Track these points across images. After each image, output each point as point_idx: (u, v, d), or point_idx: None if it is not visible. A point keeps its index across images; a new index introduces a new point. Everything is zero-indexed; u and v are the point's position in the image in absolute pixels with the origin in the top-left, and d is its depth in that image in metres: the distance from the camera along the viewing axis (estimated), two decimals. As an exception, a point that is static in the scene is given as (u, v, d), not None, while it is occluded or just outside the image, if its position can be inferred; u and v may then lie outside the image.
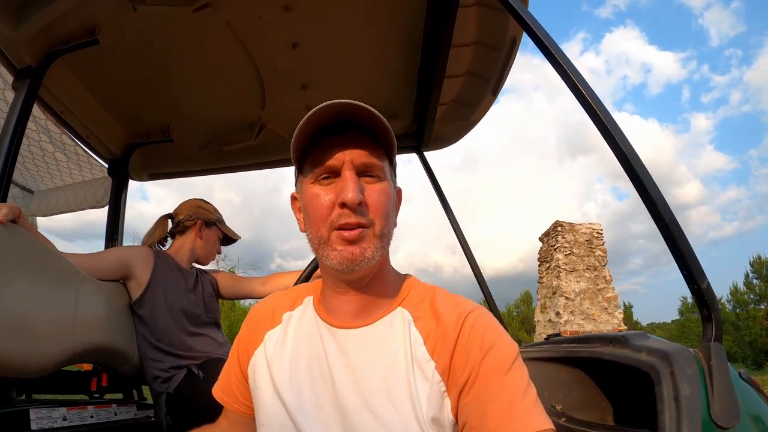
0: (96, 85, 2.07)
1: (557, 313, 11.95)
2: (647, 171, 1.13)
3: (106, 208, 2.39)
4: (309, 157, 0.84)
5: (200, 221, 2.09)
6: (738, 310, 29.39)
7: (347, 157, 0.80)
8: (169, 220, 2.16)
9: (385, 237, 0.82)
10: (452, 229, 2.24)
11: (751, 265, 30.35)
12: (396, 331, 0.84)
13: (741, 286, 30.03)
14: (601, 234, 12.79)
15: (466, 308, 0.83)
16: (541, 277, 13.54)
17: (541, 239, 13.82)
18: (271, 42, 1.90)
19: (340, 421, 0.80)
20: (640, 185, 1.11)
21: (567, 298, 12.10)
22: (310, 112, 0.79)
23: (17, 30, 1.64)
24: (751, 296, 29.86)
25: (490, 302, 2.18)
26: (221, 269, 2.41)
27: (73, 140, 2.28)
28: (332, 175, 0.81)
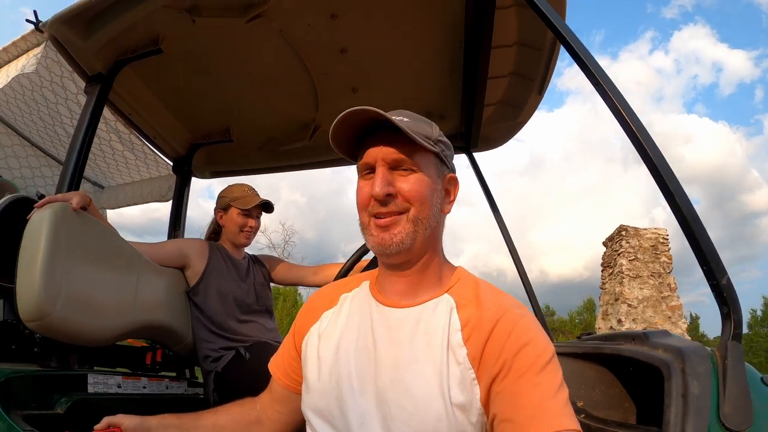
0: (161, 89, 2.35)
1: (619, 321, 11.66)
2: (668, 165, 1.18)
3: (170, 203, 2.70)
4: (359, 155, 1.02)
5: (219, 212, 2.29)
6: None
7: (379, 155, 0.96)
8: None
9: (421, 222, 0.95)
10: (500, 232, 2.33)
11: None
12: (439, 315, 0.94)
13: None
14: (667, 240, 12.32)
15: (507, 303, 0.93)
16: (603, 283, 13.25)
17: (605, 244, 13.53)
18: (320, 48, 2.10)
19: (374, 391, 0.91)
20: (660, 179, 1.16)
21: (629, 305, 11.75)
22: (339, 117, 0.95)
23: (88, 40, 1.87)
24: None
25: (534, 304, 2.24)
26: (277, 256, 2.58)
27: (141, 140, 2.60)
28: (370, 170, 0.98)
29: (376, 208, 0.95)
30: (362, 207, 0.98)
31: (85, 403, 1.54)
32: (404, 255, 0.96)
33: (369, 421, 0.90)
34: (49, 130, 2.61)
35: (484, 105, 2.26)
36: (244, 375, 1.94)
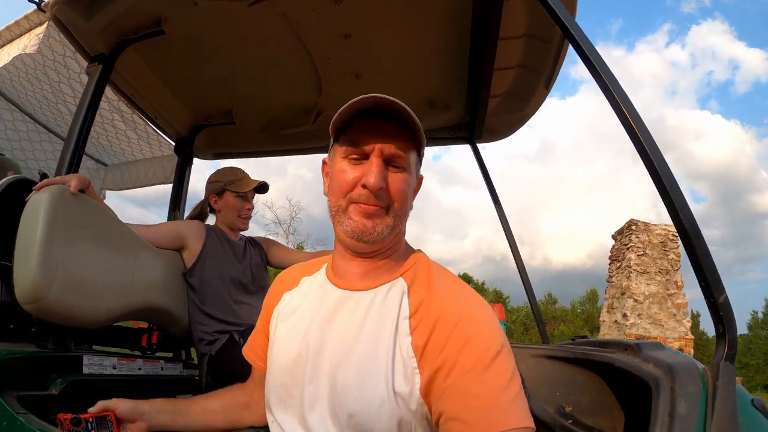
0: (163, 71, 2.33)
1: (624, 315, 11.65)
2: (672, 174, 1.13)
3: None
4: (346, 133, 0.99)
5: (212, 197, 2.29)
6: None
7: (378, 145, 0.95)
8: (206, 203, 2.39)
9: (398, 217, 0.98)
10: (500, 224, 2.32)
11: None
12: (390, 300, 0.95)
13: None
14: (676, 237, 12.06)
15: (457, 293, 0.94)
16: (610, 276, 13.19)
17: (614, 237, 13.43)
18: (323, 33, 2.06)
19: (326, 372, 0.92)
20: (663, 188, 1.12)
21: (636, 300, 11.72)
22: (356, 99, 0.94)
23: (90, 21, 1.87)
24: None
25: (530, 295, 2.25)
26: (274, 240, 2.60)
27: (143, 120, 2.60)
28: (362, 157, 0.96)
29: (363, 198, 0.95)
30: (343, 191, 0.97)
31: (79, 384, 1.56)
32: (377, 245, 0.98)
33: (318, 403, 0.92)
34: (53, 108, 2.61)
35: (490, 96, 2.23)
36: (237, 359, 1.92)
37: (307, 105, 2.53)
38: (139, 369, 1.92)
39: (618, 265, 12.71)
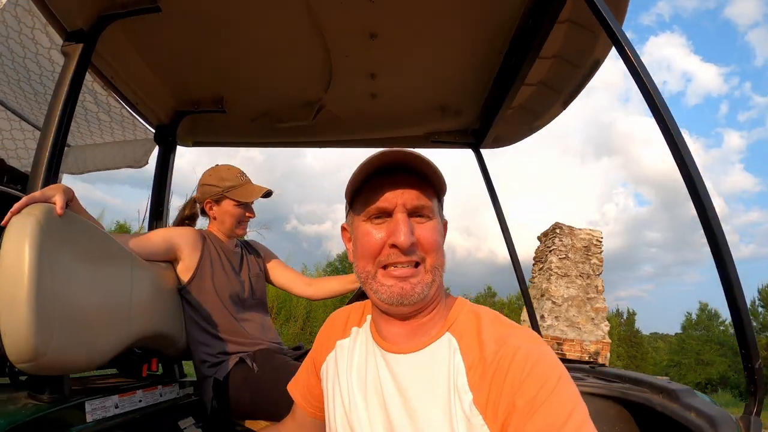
0: (150, 51, 2.06)
1: (542, 317, 11.90)
2: (732, 260, 1.20)
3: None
4: (361, 194, 0.95)
5: (208, 202, 2.08)
6: None
7: (399, 200, 0.91)
8: (197, 204, 2.18)
9: (436, 270, 0.93)
10: (500, 229, 2.40)
11: (760, 293, 30.39)
12: (442, 359, 0.91)
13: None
14: (601, 242, 12.53)
15: (506, 339, 0.88)
16: (533, 277, 13.31)
17: (539, 238, 13.52)
18: (349, 29, 1.92)
19: None
20: (722, 263, 1.18)
21: (554, 302, 11.97)
22: (369, 160, 0.90)
23: None
24: (754, 324, 29.59)
25: (526, 299, 2.42)
26: (272, 251, 2.43)
27: (120, 103, 2.30)
28: (384, 215, 0.92)
29: (393, 258, 0.91)
30: (371, 255, 0.93)
31: None
32: (418, 306, 0.93)
33: None
34: (14, 86, 2.21)
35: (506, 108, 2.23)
36: (251, 388, 1.86)
37: (309, 99, 2.38)
38: (140, 401, 1.80)
39: (540, 266, 12.86)
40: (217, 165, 2.12)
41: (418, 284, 0.90)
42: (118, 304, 1.55)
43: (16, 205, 1.21)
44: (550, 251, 12.55)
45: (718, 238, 1.19)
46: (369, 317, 1.08)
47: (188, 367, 2.25)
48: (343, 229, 1.06)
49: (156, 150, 2.50)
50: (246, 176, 2.11)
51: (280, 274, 2.33)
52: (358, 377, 1.01)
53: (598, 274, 12.42)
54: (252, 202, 2.11)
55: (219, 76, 2.24)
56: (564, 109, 2.25)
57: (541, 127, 2.42)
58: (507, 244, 2.40)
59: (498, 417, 0.81)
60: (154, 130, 2.48)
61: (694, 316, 34.58)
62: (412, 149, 0.89)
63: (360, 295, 1.97)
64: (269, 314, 2.25)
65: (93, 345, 1.41)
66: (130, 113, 2.40)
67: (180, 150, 2.56)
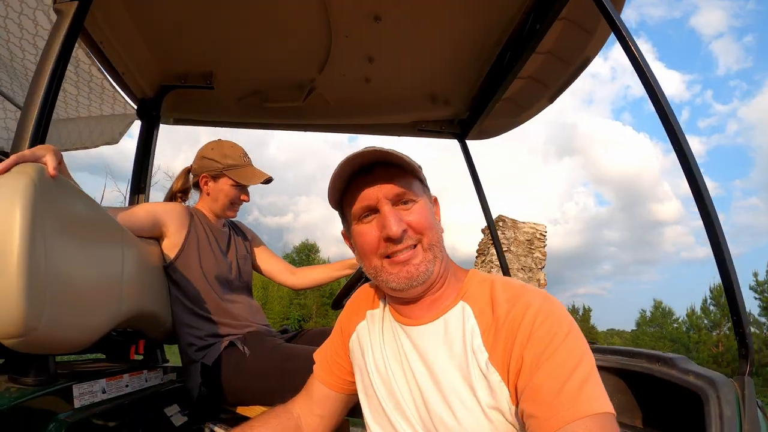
0: (143, 17, 1.94)
1: None
2: (723, 232, 1.34)
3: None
4: (346, 199, 1.01)
5: (204, 176, 1.99)
6: (691, 332, 31.00)
7: (380, 194, 0.95)
8: (190, 176, 2.08)
9: (434, 247, 0.97)
10: (485, 219, 2.47)
11: (711, 291, 31.49)
12: (456, 324, 0.96)
13: (699, 311, 31.64)
14: (545, 236, 12.66)
15: (518, 298, 0.91)
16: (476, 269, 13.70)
17: (483, 231, 13.61)
18: (354, 10, 1.91)
19: (424, 406, 0.95)
20: (717, 246, 1.32)
21: None
22: (338, 170, 0.95)
23: None
24: (705, 322, 31.27)
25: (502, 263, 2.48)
26: (258, 236, 2.34)
27: (102, 73, 2.14)
28: (371, 212, 0.97)
29: (391, 248, 0.95)
30: (371, 252, 0.98)
31: (76, 425, 1.33)
32: (427, 284, 0.97)
33: None
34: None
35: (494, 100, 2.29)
36: (243, 373, 1.78)
37: (302, 80, 2.34)
38: (127, 386, 1.69)
39: (483, 259, 13.05)
40: (221, 140, 2.03)
41: (422, 263, 0.94)
42: (110, 280, 1.42)
43: (4, 164, 1.06)
44: (492, 244, 12.70)
45: (714, 225, 1.33)
46: (383, 301, 1.13)
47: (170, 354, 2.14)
48: (344, 236, 1.10)
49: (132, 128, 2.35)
50: (249, 158, 2.03)
51: (265, 260, 2.27)
52: (385, 354, 1.05)
53: (541, 268, 12.63)
54: (247, 188, 2.03)
55: (211, 49, 2.15)
56: (550, 103, 2.35)
57: (526, 120, 2.51)
58: (492, 237, 2.48)
59: (511, 372, 0.85)
60: (135, 105, 2.33)
61: (648, 313, 35.95)
62: (369, 148, 0.93)
63: (357, 278, 1.97)
64: (254, 298, 2.16)
65: (84, 322, 1.27)
66: (112, 85, 2.24)
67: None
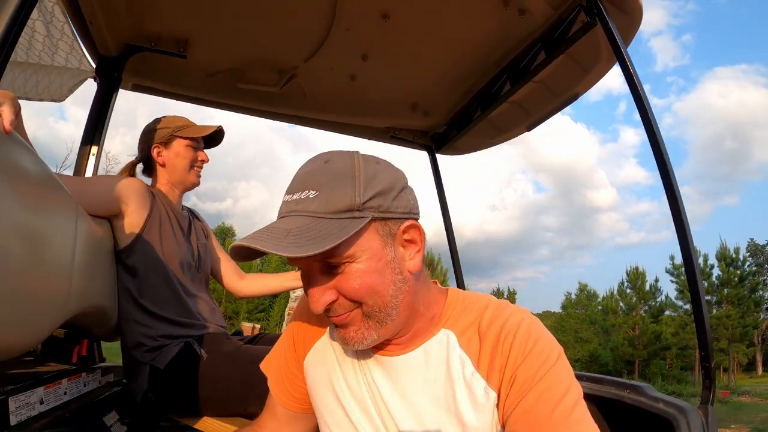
0: None
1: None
2: (695, 253, 1.47)
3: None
4: None
5: (156, 146, 1.76)
6: (608, 315, 31.36)
7: (303, 267, 0.79)
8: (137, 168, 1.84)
9: (376, 313, 0.78)
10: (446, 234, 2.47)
11: (627, 274, 31.67)
12: (441, 354, 0.85)
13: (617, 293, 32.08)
14: None
15: (505, 316, 0.84)
16: None
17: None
18: (364, 2, 1.81)
19: None
20: (691, 270, 1.44)
21: None
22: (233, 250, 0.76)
23: None
24: (621, 305, 31.61)
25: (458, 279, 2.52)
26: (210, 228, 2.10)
27: (66, 17, 1.79)
28: (306, 276, 0.81)
29: (329, 314, 0.80)
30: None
31: None
32: (379, 341, 0.83)
33: None
34: None
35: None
36: (198, 378, 1.58)
37: (284, 65, 2.14)
38: (65, 393, 1.44)
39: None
40: (163, 116, 1.82)
41: (358, 331, 0.79)
42: (60, 268, 1.13)
43: None
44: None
45: (694, 266, 1.43)
46: None
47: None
48: None
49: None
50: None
51: (215, 257, 2.02)
52: (344, 384, 0.91)
53: None
54: (202, 145, 1.84)
55: (192, 14, 1.89)
56: (527, 131, 2.37)
57: (499, 143, 2.52)
58: (451, 251, 2.48)
59: (502, 394, 0.80)
60: (93, 62, 1.98)
61: (573, 296, 36.95)
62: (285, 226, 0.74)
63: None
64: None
65: (26, 323, 0.98)
66: (73, 33, 1.87)
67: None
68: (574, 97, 2.14)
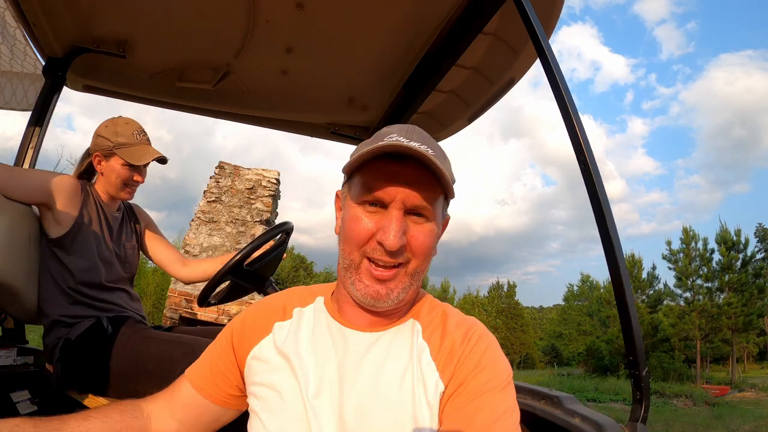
0: None
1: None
2: (623, 255, 1.25)
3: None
4: (362, 173, 0.84)
5: (97, 155, 1.80)
6: (603, 306, 29.80)
7: (399, 196, 0.80)
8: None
9: (417, 275, 0.86)
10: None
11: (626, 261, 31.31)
12: (406, 338, 0.89)
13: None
14: (275, 183, 10.33)
15: (468, 326, 0.89)
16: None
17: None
18: None
19: (353, 413, 0.82)
20: (615, 267, 1.22)
21: (188, 251, 9.68)
22: (381, 146, 0.77)
23: None
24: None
25: None
26: (153, 221, 2.16)
27: (16, 22, 1.95)
28: (379, 205, 0.82)
29: (378, 254, 0.82)
30: (356, 243, 0.84)
31: None
32: (390, 307, 0.87)
33: None
34: None
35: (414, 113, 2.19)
36: (101, 349, 1.60)
37: (216, 63, 2.16)
38: None
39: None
40: (120, 117, 1.85)
41: (395, 289, 0.84)
42: None
43: None
44: (204, 194, 10.39)
45: (618, 261, 1.23)
46: (320, 299, 0.99)
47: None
48: (337, 196, 0.96)
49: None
50: (145, 135, 1.84)
51: (158, 249, 2.08)
52: (312, 358, 0.89)
53: (260, 221, 10.09)
54: (143, 166, 1.84)
55: (129, 16, 1.96)
56: (468, 124, 2.24)
57: (444, 138, 2.39)
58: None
59: (447, 394, 0.83)
60: (43, 63, 2.11)
61: (576, 288, 35.49)
62: (414, 143, 0.79)
63: (226, 271, 1.73)
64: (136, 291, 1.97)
65: None
66: (25, 38, 2.03)
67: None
68: (510, 83, 1.99)
